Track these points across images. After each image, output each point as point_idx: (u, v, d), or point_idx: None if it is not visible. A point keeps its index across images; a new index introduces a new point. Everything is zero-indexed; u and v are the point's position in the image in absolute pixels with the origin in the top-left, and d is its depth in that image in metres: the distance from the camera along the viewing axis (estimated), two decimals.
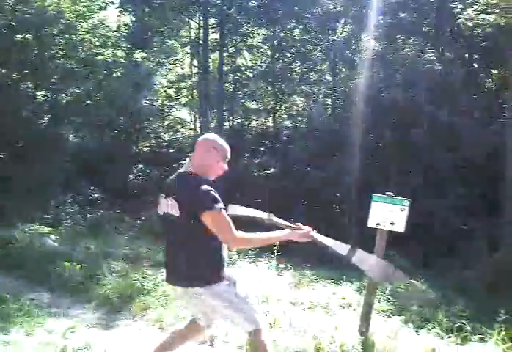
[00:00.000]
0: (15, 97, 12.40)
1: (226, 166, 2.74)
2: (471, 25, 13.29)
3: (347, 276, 6.04)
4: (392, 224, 3.72)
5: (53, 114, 13.12)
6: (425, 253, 10.36)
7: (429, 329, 3.94)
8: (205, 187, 2.44)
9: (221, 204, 2.44)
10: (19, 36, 12.49)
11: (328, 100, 17.45)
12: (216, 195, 2.44)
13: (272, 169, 12.95)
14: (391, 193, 3.78)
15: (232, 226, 2.46)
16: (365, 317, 3.77)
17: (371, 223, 3.79)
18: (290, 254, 7.78)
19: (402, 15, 15.55)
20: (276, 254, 5.91)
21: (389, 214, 3.73)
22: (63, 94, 13.14)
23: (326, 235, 2.71)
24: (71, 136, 13.97)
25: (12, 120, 11.91)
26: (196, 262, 2.52)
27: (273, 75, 17.31)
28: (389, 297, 4.92)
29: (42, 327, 4.00)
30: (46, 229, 7.28)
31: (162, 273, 5.38)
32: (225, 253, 2.64)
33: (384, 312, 4.57)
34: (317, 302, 4.81)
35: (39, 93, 13.37)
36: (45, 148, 11.80)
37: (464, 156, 12.02)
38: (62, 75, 13.30)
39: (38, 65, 12.82)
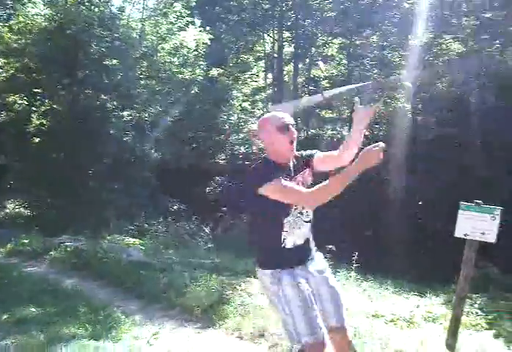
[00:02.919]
0: (103, 117, 13.33)
1: (288, 141, 2.47)
2: None
3: (432, 288, 5.72)
4: (482, 234, 3.48)
5: (137, 132, 13.91)
6: None
7: None
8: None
9: (269, 178, 2.36)
10: (107, 61, 13.44)
11: (408, 106, 16.85)
12: (262, 173, 2.42)
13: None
14: (480, 202, 3.55)
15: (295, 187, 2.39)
16: (453, 331, 3.56)
17: (458, 233, 3.57)
18: (369, 265, 7.54)
19: (487, 15, 14.71)
20: (355, 264, 5.75)
21: (478, 224, 3.50)
22: (146, 113, 13.89)
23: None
24: (153, 151, 14.70)
25: (102, 138, 12.79)
26: None
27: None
28: (479, 311, 4.61)
29: (129, 333, 4.18)
30: (132, 240, 7.67)
31: (241, 283, 5.47)
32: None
33: (472, 326, 4.28)
34: (399, 315, 4.60)
35: (125, 113, 14.24)
36: (132, 164, 12.52)
37: None
38: (145, 95, 14.07)
39: (124, 86, 13.68)
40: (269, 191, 2.35)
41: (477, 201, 3.57)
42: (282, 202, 2.41)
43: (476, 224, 3.49)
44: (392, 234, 11.49)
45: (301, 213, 2.53)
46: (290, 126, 2.49)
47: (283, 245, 2.49)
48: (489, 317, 4.61)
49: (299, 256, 2.53)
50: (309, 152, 2.65)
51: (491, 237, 3.46)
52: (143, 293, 5.39)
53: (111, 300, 5.19)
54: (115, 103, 14.14)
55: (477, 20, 14.40)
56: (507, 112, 11.28)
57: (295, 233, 2.51)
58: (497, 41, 14.38)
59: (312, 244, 2.66)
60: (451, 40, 14.87)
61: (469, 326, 4.28)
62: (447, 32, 14.69)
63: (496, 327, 4.41)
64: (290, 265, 2.48)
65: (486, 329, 4.29)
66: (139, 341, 4.02)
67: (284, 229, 2.48)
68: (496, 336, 4.04)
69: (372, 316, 4.61)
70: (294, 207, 2.48)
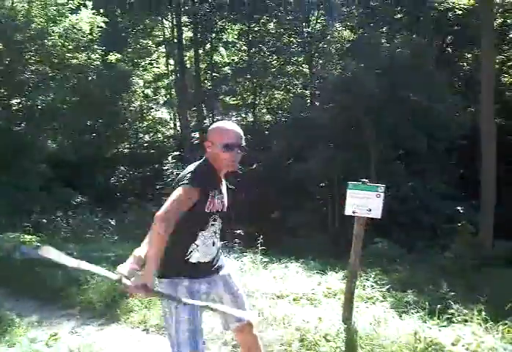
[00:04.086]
0: None
1: (228, 155, 2.31)
2: (442, 9, 13.44)
3: (331, 266, 6.02)
4: (369, 210, 3.67)
5: (29, 121, 12.95)
6: (410, 238, 10.41)
7: (413, 313, 3.95)
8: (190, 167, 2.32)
9: (193, 183, 2.17)
10: None
11: (307, 92, 17.46)
12: (198, 176, 2.23)
13: (255, 165, 12.98)
14: (366, 180, 3.74)
15: (177, 207, 2.13)
16: (348, 305, 3.75)
17: (348, 211, 3.72)
18: (275, 247, 7.78)
19: (374, 4, 15.60)
20: (260, 248, 5.90)
21: (364, 201, 3.68)
22: (38, 101, 12.95)
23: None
24: (49, 141, 13.78)
25: None
26: None
27: (250, 70, 17.25)
28: (374, 284, 4.94)
29: (25, 336, 3.94)
30: (27, 237, 7.17)
31: None
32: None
33: (368, 299, 4.57)
34: (302, 293, 4.79)
35: (14, 101, 13.16)
36: (23, 155, 11.66)
37: (443, 140, 12.13)
38: (36, 81, 13.11)
39: (11, 72, 12.63)
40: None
41: (363, 179, 3.77)
42: (204, 212, 2.29)
43: (362, 202, 3.66)
44: (295, 215, 11.96)
45: (216, 233, 2.42)
46: (235, 146, 2.31)
47: (187, 258, 2.35)
48: (383, 289, 4.95)
49: (201, 271, 2.39)
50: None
51: (377, 214, 3.66)
52: (40, 292, 5.10)
53: (3, 302, 4.85)
54: (2, 90, 13.03)
55: (365, 9, 15.24)
56: (390, 94, 12.16)
57: (202, 250, 2.38)
58: (384, 29, 15.36)
59: (220, 258, 2.53)
60: (342, 28, 15.59)
61: (365, 299, 4.52)
62: (338, 20, 15.39)
63: (389, 298, 4.77)
64: (190, 276, 2.36)
65: (381, 301, 4.55)
66: (37, 344, 3.82)
67: (196, 243, 2.35)
68: (390, 307, 4.33)
69: (277, 297, 4.73)
70: (211, 223, 2.36)
